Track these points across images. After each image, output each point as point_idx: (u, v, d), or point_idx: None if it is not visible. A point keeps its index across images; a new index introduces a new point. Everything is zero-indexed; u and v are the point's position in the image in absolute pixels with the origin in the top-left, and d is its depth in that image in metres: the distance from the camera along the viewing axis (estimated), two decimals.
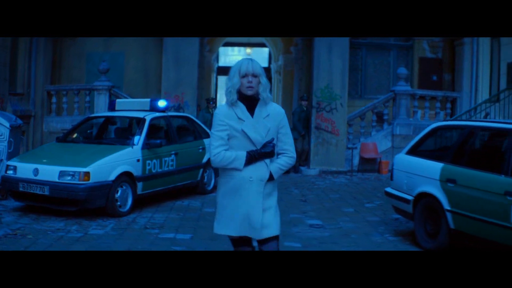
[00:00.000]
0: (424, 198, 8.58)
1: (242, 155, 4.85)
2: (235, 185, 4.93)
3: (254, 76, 4.87)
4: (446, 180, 8.12)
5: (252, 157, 4.86)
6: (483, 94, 18.49)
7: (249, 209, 4.90)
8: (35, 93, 18.25)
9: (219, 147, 4.86)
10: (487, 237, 7.48)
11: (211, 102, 17.79)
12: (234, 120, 4.88)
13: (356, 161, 17.78)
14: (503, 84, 17.22)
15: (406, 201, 8.97)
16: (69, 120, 17.65)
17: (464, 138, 8.46)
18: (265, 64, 34.56)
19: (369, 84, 21.08)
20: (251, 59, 4.96)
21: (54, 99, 18.49)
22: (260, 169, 4.92)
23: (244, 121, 4.88)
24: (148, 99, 12.73)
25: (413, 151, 9.23)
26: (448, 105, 18.89)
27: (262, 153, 4.88)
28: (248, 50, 27.91)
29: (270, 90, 5.14)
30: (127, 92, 19.19)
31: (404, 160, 9.28)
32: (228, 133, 4.87)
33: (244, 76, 4.87)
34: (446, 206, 8.07)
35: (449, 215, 8.03)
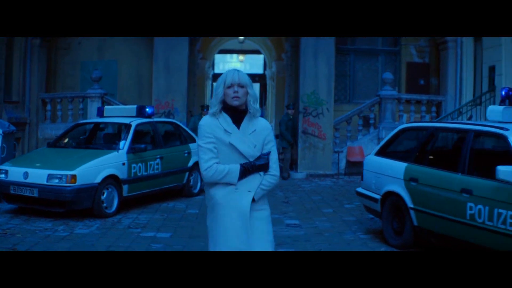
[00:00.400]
0: (390, 197, 9.04)
1: (236, 168, 4.51)
2: (220, 199, 4.55)
3: (241, 86, 4.57)
4: (409, 179, 8.58)
5: (246, 170, 4.54)
6: (467, 97, 18.89)
7: (240, 219, 4.50)
8: (30, 101, 18.85)
9: (210, 160, 4.52)
10: (446, 233, 7.90)
11: (205, 109, 17.49)
12: (221, 132, 4.56)
13: (342, 164, 18.23)
14: (485, 87, 17.65)
15: (374, 200, 9.44)
16: (63, 127, 18.09)
17: (426, 139, 8.96)
18: (260, 71, 35.14)
19: (358, 89, 21.55)
20: (237, 70, 4.70)
21: (48, 107, 19.06)
22: (254, 182, 4.57)
23: (231, 133, 4.55)
24: (135, 106, 13.25)
25: (381, 152, 9.70)
26: (434, 108, 19.37)
27: (256, 165, 4.57)
28: (241, 57, 28.29)
29: (264, 101, 5.02)
30: (121, 99, 19.72)
31: (373, 161, 9.75)
32: (215, 146, 4.54)
33: (230, 86, 4.56)
34: (410, 204, 8.53)
35: (412, 213, 8.49)
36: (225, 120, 4.60)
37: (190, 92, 19.94)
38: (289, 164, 17.69)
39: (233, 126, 4.58)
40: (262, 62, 34.54)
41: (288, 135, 17.62)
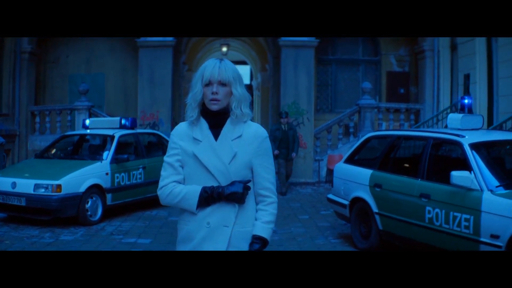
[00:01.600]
0: (358, 203, 9.53)
1: (195, 191, 3.50)
2: (189, 234, 3.59)
3: (222, 84, 3.51)
4: (374, 185, 9.08)
5: (209, 197, 3.48)
6: (445, 104, 19.41)
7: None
8: (19, 113, 19.38)
9: (168, 178, 3.58)
10: (408, 236, 8.35)
11: None
12: (188, 141, 3.58)
13: (323, 172, 18.72)
14: (461, 95, 18.17)
15: (343, 205, 9.94)
16: (52, 138, 18.41)
17: (389, 147, 9.46)
18: (247, 81, 35.63)
19: (339, 99, 22.10)
20: (219, 60, 3.60)
21: (37, 119, 19.61)
22: (224, 211, 3.52)
23: (200, 141, 3.56)
24: (118, 118, 13.79)
25: (349, 160, 10.22)
26: (412, 116, 19.91)
27: (223, 193, 3.48)
28: (224, 48, 28.36)
29: (252, 107, 3.70)
30: (108, 111, 20.26)
31: (342, 168, 10.26)
32: (180, 159, 3.57)
33: (208, 84, 3.52)
34: (375, 209, 9.01)
35: (377, 217, 8.97)
36: (200, 126, 3.60)
37: (175, 104, 20.49)
38: (284, 177, 16.44)
39: (208, 132, 3.57)
40: (248, 72, 35.03)
41: (272, 145, 15.58)
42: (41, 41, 20.35)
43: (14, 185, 11.37)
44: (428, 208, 7.85)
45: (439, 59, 19.95)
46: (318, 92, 21.60)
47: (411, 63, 21.99)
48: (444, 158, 9.00)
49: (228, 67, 3.55)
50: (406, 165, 9.21)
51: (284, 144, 16.15)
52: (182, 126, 3.66)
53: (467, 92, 17.52)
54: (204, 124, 3.57)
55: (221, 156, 3.50)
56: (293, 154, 16.33)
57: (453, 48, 19.32)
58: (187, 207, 3.52)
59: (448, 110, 18.05)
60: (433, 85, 20.12)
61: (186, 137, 3.59)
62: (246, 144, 3.56)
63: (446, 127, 17.11)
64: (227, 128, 3.56)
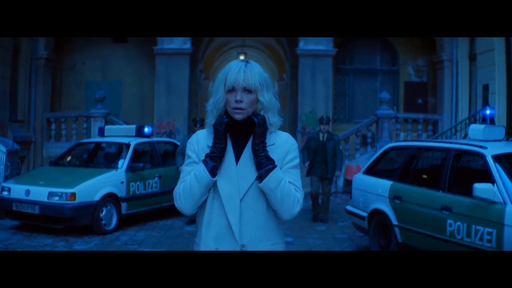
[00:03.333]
0: (377, 215, 9.36)
1: (200, 165, 3.18)
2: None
3: (247, 91, 3.13)
4: (393, 197, 8.90)
5: (213, 156, 3.17)
6: (463, 115, 19.25)
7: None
8: (35, 120, 19.35)
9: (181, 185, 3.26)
10: (429, 249, 8.15)
11: (198, 124, 12.96)
12: (206, 152, 3.22)
13: (340, 183, 18.52)
14: (480, 105, 17.99)
15: (362, 217, 9.77)
16: (67, 146, 18.44)
17: (409, 157, 9.28)
18: None
19: (357, 109, 21.95)
20: (245, 63, 3.21)
21: (53, 126, 19.51)
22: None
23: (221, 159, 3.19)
24: (134, 126, 13.68)
25: (369, 171, 10.04)
26: (430, 127, 19.69)
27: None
28: (241, 57, 28.25)
29: (283, 112, 3.28)
30: (125, 118, 20.21)
31: (361, 179, 10.08)
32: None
33: (231, 90, 3.14)
34: (394, 221, 8.84)
35: (397, 230, 8.79)
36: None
37: (192, 112, 20.41)
38: (317, 200, 13.40)
39: (230, 152, 3.21)
40: None
41: (305, 155, 13.11)
42: (57, 47, 20.35)
43: (28, 192, 11.27)
44: (449, 221, 7.68)
45: (458, 69, 19.79)
46: (335, 102, 21.48)
47: (428, 73, 21.83)
48: (466, 170, 8.79)
49: (254, 71, 3.15)
50: (427, 176, 9.02)
51: (320, 158, 12.91)
52: (201, 135, 3.31)
53: (486, 102, 17.34)
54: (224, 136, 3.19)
55: (240, 186, 3.16)
56: (337, 172, 12.97)
57: (472, 58, 19.15)
58: (203, 181, 3.13)
59: (467, 121, 17.85)
60: (451, 96, 19.93)
61: (204, 148, 3.23)
62: (276, 150, 3.21)
63: (465, 137, 17.30)
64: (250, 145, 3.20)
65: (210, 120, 3.22)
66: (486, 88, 17.54)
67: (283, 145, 3.23)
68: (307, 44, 18.78)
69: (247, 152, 3.20)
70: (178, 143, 14.18)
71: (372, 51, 21.89)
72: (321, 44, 18.89)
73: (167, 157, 14.03)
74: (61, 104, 21.40)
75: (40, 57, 19.45)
